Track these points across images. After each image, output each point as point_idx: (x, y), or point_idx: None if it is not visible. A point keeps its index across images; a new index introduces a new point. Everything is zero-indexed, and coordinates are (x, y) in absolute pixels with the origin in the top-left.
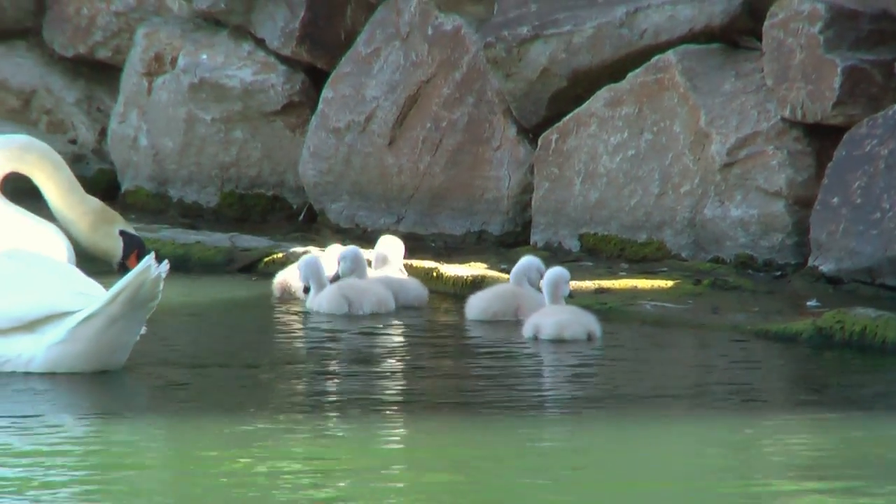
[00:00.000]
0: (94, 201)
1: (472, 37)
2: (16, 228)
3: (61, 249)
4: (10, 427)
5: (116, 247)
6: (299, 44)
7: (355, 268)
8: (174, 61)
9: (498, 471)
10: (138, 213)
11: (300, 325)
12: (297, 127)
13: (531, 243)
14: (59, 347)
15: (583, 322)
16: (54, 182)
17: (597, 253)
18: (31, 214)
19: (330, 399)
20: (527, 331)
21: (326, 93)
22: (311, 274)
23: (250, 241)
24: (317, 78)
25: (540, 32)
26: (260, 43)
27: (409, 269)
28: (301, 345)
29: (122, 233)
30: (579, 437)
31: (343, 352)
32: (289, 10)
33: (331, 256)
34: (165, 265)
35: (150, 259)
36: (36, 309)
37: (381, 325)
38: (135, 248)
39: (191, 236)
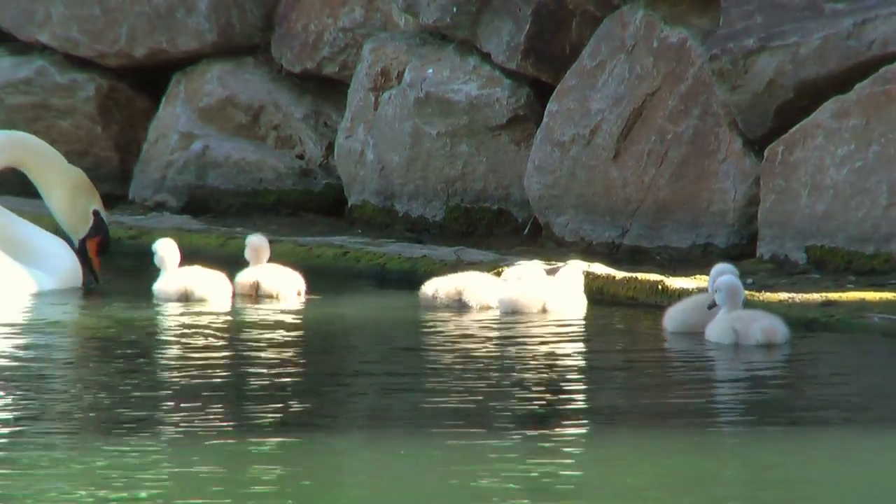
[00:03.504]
0: (78, 171)
1: (697, 49)
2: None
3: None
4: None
5: (85, 223)
6: (524, 58)
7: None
8: (400, 76)
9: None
10: (364, 227)
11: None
12: (522, 140)
13: (757, 256)
14: None
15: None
16: (40, 164)
17: (824, 265)
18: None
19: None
20: (720, 336)
21: (551, 106)
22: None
23: (476, 255)
24: (542, 91)
25: (766, 44)
26: (485, 57)
27: (633, 282)
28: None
29: (96, 213)
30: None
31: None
32: (514, 24)
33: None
34: None
35: None
36: None
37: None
38: (98, 234)
39: (417, 250)
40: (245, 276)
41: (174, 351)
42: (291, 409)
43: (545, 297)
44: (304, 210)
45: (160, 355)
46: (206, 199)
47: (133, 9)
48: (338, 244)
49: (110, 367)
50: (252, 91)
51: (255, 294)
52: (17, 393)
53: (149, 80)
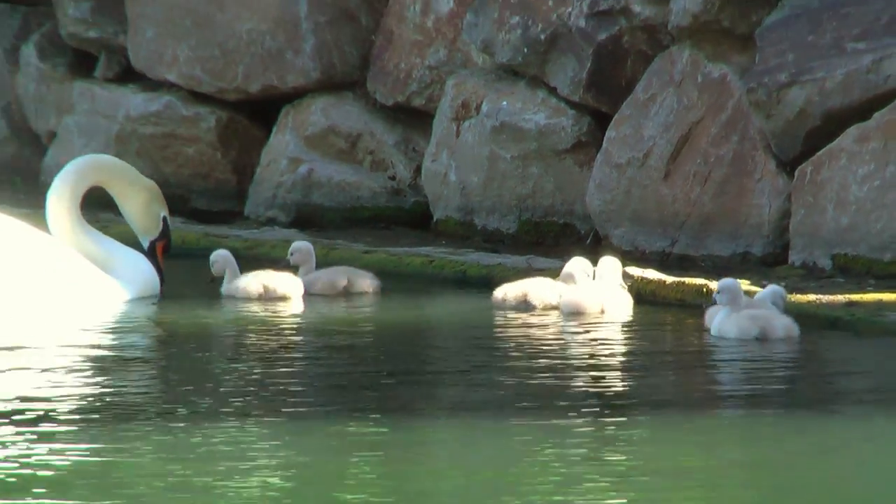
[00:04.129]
0: (151, 182)
1: (736, 83)
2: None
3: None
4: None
5: (156, 228)
6: (586, 91)
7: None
8: (479, 107)
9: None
10: (447, 239)
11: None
12: (584, 163)
13: (789, 262)
14: None
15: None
16: (121, 183)
17: (847, 271)
18: (109, 240)
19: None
20: (741, 332)
21: (609, 133)
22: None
23: (544, 263)
24: (601, 120)
25: (796, 79)
26: (552, 91)
27: (681, 286)
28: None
29: (164, 219)
30: None
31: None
32: (577, 62)
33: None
34: None
35: None
36: None
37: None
38: (165, 238)
39: (493, 259)
40: (331, 276)
41: (271, 344)
42: (385, 396)
43: (603, 299)
44: (396, 224)
45: (257, 349)
46: (311, 215)
47: (248, 50)
48: (424, 254)
49: (210, 359)
50: (351, 121)
51: (344, 292)
52: (140, 383)
53: (262, 112)
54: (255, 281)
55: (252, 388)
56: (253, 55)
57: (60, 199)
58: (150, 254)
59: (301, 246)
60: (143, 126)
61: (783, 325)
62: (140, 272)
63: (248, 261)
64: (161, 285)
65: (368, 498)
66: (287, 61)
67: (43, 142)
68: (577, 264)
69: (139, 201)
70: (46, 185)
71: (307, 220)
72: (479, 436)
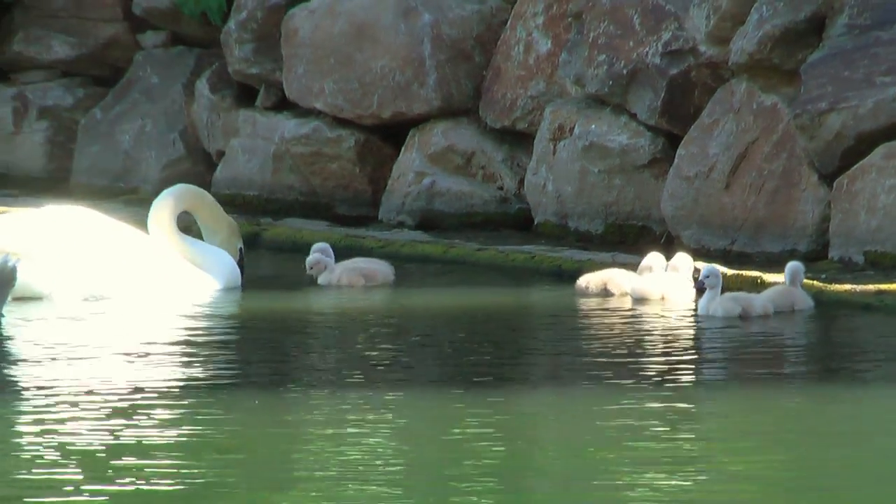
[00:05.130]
0: (233, 221)
1: (785, 110)
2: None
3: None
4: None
5: (234, 256)
6: (661, 116)
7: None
8: (572, 130)
9: None
10: (546, 239)
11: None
12: (658, 176)
13: (829, 258)
14: None
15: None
16: (208, 211)
17: (877, 265)
18: (200, 243)
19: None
20: (726, 311)
21: (680, 151)
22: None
23: (626, 258)
24: (673, 140)
25: (834, 106)
26: (633, 116)
27: (740, 277)
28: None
29: (240, 250)
30: None
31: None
32: (653, 92)
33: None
34: (12, 259)
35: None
36: None
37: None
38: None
39: (584, 255)
40: (368, 264)
41: (374, 329)
42: (487, 369)
43: (665, 288)
44: (503, 227)
45: (353, 334)
46: (433, 219)
47: (382, 83)
48: (527, 251)
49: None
50: (466, 141)
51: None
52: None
53: (393, 134)
54: (351, 270)
55: (382, 365)
56: (385, 87)
57: (161, 211)
58: None
59: (317, 258)
60: (295, 146)
61: (761, 305)
62: (224, 265)
63: (380, 258)
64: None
65: (486, 471)
66: (413, 92)
67: (213, 160)
68: (653, 259)
69: (222, 234)
70: (217, 195)
71: (430, 223)
72: (569, 405)
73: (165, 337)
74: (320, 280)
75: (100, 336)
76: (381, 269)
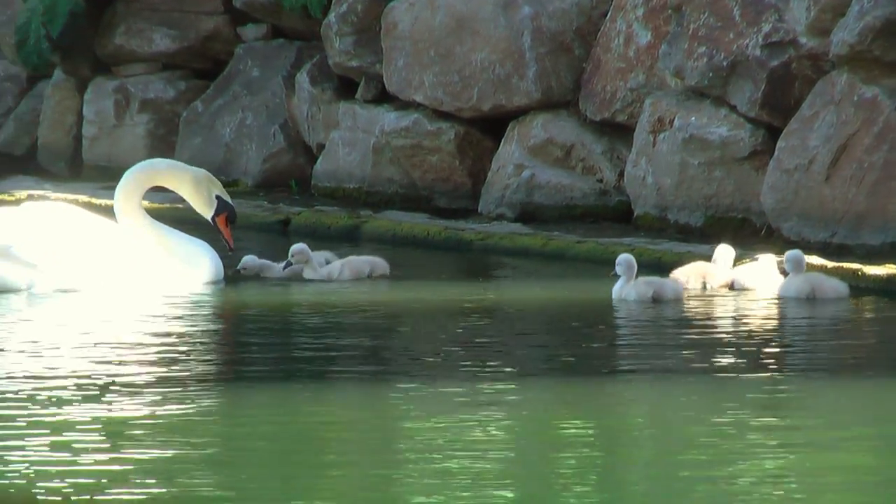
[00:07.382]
0: (202, 170)
1: (886, 102)
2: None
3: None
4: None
5: (212, 205)
6: (761, 108)
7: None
8: (672, 122)
9: None
10: (646, 231)
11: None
12: (759, 168)
13: None
14: None
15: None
16: (178, 178)
17: None
18: (170, 230)
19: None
20: (638, 296)
21: (780, 143)
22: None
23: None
24: (773, 133)
25: None
26: (733, 108)
27: (841, 269)
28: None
29: (218, 197)
30: None
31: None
32: (753, 84)
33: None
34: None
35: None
36: None
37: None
38: (224, 210)
39: (683, 247)
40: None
41: (398, 319)
42: (556, 356)
43: (755, 280)
44: (603, 219)
45: (380, 324)
46: (533, 212)
47: (482, 76)
48: (627, 244)
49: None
50: (565, 134)
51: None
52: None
53: (492, 127)
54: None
55: (420, 351)
56: (485, 80)
57: (127, 198)
58: (215, 228)
59: (299, 248)
60: (396, 139)
61: (672, 289)
62: (206, 258)
63: (479, 251)
64: (230, 251)
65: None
66: (513, 85)
67: (314, 152)
68: (723, 251)
69: (189, 189)
70: (317, 188)
71: (529, 215)
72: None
73: (147, 329)
74: (305, 273)
75: (78, 329)
76: (379, 262)
